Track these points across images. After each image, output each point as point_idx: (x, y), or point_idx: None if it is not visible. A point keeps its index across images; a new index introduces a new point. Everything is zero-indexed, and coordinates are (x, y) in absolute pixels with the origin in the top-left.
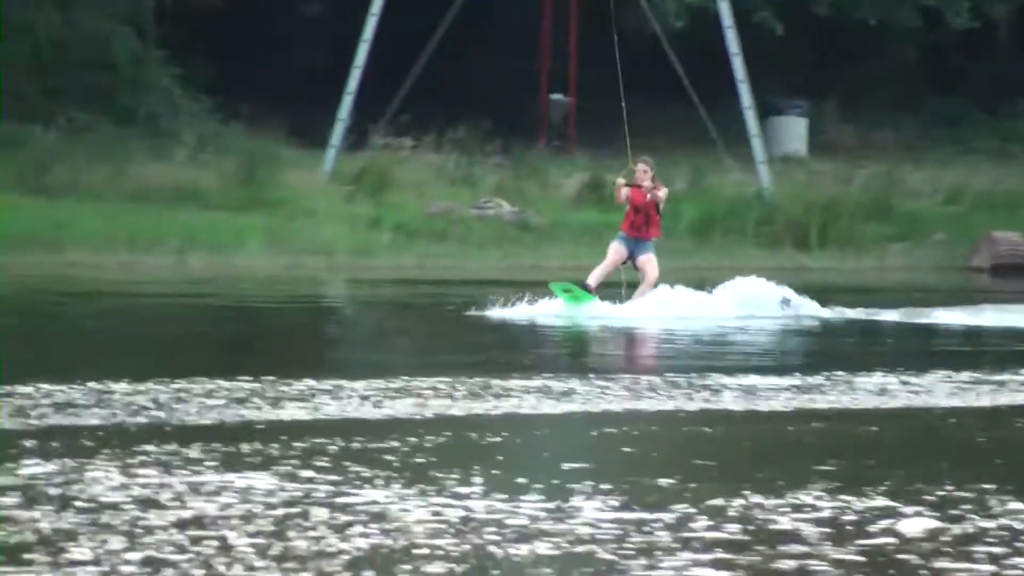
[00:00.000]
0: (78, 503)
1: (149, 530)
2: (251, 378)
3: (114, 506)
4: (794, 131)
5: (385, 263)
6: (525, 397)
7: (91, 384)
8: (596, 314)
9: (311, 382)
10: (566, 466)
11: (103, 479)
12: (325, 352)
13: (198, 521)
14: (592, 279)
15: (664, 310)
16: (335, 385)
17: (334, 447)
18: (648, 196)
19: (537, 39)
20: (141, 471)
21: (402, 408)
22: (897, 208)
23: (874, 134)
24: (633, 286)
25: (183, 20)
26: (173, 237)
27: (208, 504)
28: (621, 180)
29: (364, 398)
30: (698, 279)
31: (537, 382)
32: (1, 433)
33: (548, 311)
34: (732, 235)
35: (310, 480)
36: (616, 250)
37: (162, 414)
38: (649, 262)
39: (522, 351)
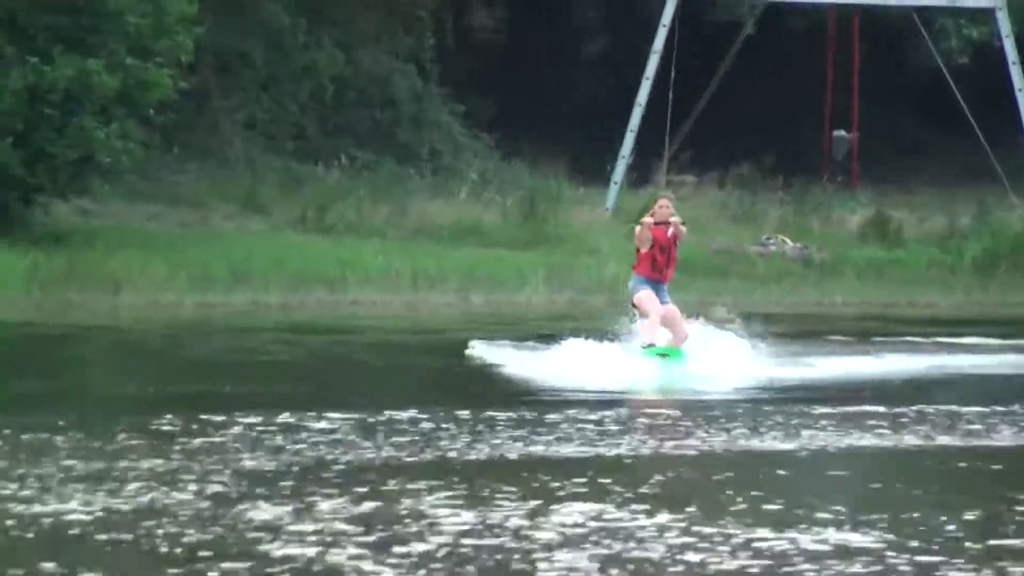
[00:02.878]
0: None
1: None
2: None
3: None
4: None
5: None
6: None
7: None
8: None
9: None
10: None
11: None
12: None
13: None
14: (652, 339)
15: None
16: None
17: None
18: (670, 231)
19: (820, 75)
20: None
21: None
22: None
23: None
24: None
25: (464, 58)
26: (455, 274)
27: None
28: (648, 219)
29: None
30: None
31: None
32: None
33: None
34: (1017, 272)
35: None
36: (650, 297)
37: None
38: (679, 318)
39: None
